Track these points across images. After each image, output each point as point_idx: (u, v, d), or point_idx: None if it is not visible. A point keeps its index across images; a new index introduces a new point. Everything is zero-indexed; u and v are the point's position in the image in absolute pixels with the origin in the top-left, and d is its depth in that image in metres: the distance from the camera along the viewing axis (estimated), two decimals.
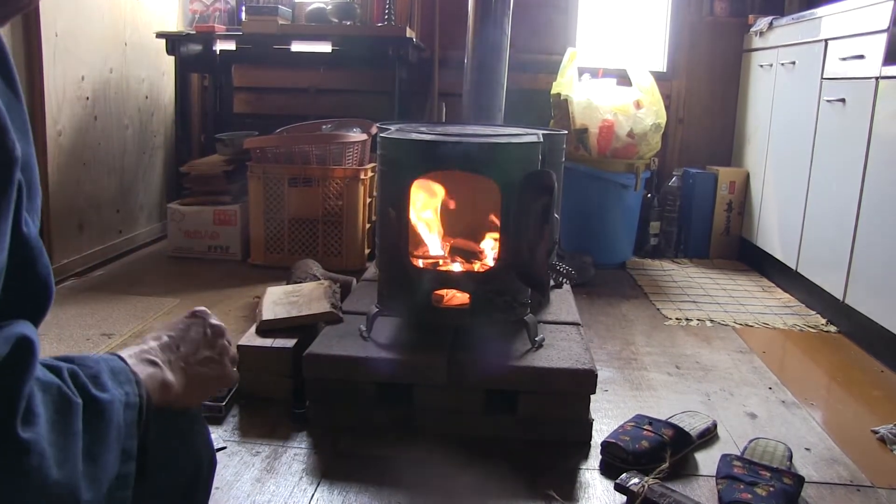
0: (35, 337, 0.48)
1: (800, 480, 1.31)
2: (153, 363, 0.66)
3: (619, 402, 1.69)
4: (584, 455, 1.44)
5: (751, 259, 3.09)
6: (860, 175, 2.11)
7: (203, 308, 0.79)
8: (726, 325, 2.30)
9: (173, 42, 2.98)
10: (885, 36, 2.02)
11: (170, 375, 0.67)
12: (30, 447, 0.45)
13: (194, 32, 3.00)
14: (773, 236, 2.83)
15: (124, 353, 0.64)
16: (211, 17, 3.30)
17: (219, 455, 1.32)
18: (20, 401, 0.45)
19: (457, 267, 1.67)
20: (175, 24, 3.22)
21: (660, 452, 1.38)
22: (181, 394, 0.68)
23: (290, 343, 1.64)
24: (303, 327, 1.70)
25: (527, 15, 3.24)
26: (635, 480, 1.26)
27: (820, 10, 2.47)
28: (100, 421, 0.52)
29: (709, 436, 1.53)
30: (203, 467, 0.77)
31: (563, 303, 1.90)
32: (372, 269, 2.14)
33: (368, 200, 2.77)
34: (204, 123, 3.49)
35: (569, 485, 1.33)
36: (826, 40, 2.41)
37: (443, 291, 1.59)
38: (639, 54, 3.26)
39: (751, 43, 3.19)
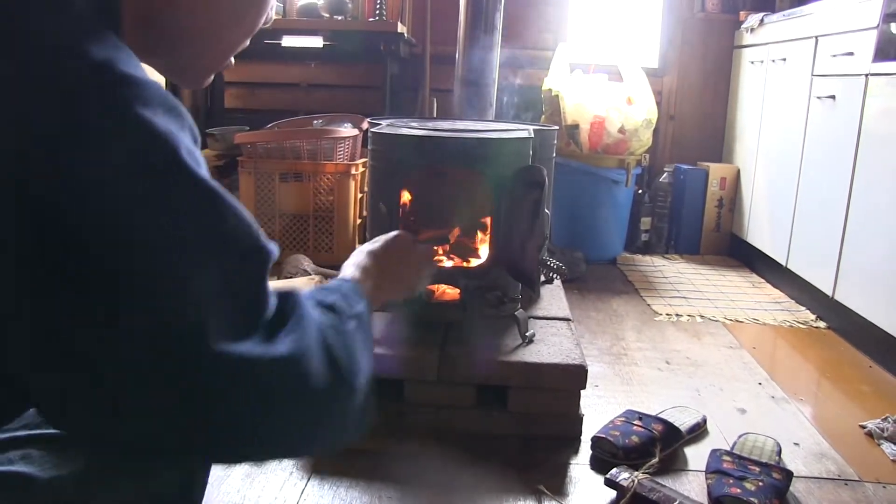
0: None
1: (789, 475, 1.31)
2: (367, 275, 0.91)
3: (610, 398, 1.70)
4: (575, 450, 1.45)
5: (741, 255, 3.10)
6: (850, 171, 2.12)
7: (404, 232, 1.11)
8: (716, 321, 2.31)
9: None
10: (874, 33, 2.03)
11: (377, 281, 0.91)
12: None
13: None
14: (763, 232, 2.84)
15: (350, 272, 0.91)
16: None
17: None
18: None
19: (447, 262, 1.67)
20: None
21: (650, 447, 1.39)
22: (382, 294, 0.93)
23: None
24: None
25: (518, 10, 3.23)
26: (625, 475, 1.27)
27: (810, 7, 2.48)
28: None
29: (698, 431, 1.53)
30: (197, 466, 0.77)
31: (553, 298, 1.90)
32: None
33: (359, 195, 2.76)
34: (195, 118, 3.44)
35: (559, 479, 1.34)
36: (816, 37, 2.41)
37: (434, 286, 1.58)
38: (630, 50, 3.26)
39: (742, 39, 3.20)
